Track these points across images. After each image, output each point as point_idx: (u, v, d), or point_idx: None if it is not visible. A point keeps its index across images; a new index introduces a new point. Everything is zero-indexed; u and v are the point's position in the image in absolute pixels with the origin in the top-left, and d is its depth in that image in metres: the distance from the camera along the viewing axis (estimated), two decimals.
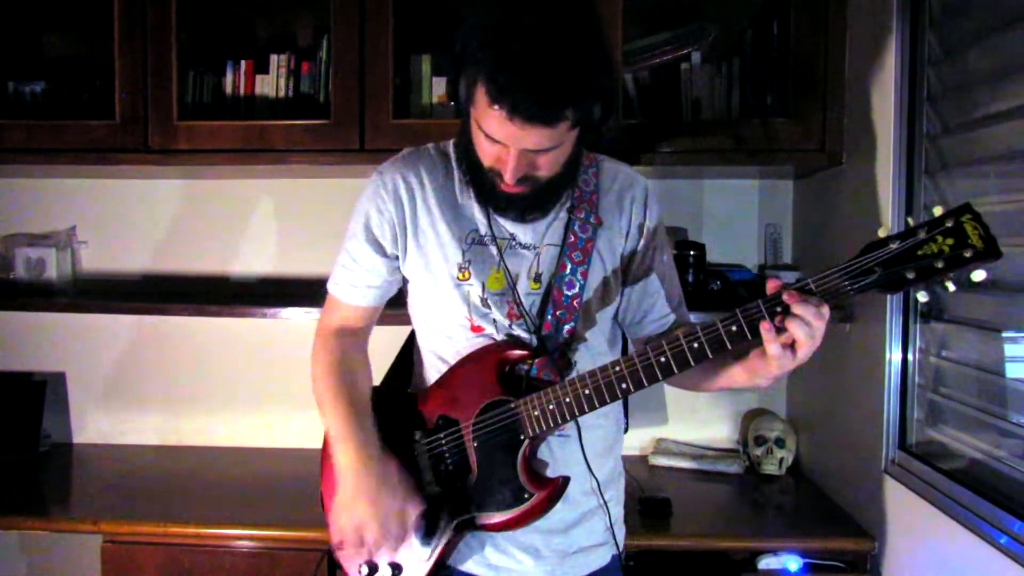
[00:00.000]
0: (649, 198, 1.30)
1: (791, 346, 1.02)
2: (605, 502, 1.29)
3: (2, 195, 2.27)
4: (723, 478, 2.04)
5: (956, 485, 1.39)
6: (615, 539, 1.31)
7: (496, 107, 1.02)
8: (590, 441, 1.25)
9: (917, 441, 1.58)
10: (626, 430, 2.07)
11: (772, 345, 1.01)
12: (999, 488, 1.32)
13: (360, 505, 1.17)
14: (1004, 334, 1.36)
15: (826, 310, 1.01)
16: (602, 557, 1.31)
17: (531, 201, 1.19)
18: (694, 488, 1.97)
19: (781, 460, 2.03)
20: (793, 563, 1.62)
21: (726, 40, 1.99)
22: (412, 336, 1.39)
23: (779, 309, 1.02)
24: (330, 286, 1.33)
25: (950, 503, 1.39)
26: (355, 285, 1.29)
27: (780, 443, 2.04)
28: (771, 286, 1.04)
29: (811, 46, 1.78)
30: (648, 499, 1.78)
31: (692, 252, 1.96)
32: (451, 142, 1.30)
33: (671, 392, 2.21)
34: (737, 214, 2.20)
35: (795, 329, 1.00)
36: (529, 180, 1.13)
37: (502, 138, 1.07)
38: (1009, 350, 1.35)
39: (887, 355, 1.61)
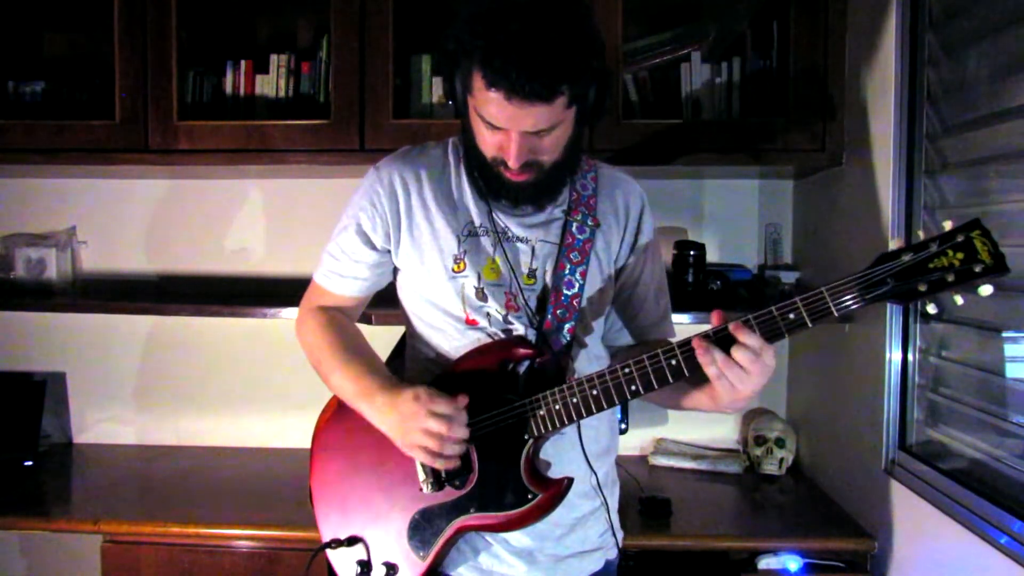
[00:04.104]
0: (645, 209, 1.32)
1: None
2: (605, 499, 1.29)
3: (2, 195, 2.27)
4: (723, 478, 2.03)
5: (956, 485, 1.39)
6: (615, 539, 1.31)
7: (494, 90, 1.04)
8: (587, 441, 1.24)
9: (917, 441, 1.58)
10: (625, 431, 2.08)
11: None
12: (999, 488, 1.32)
13: (411, 420, 1.12)
14: (1004, 334, 1.36)
15: (770, 354, 1.03)
16: (596, 562, 1.30)
17: (538, 189, 1.19)
18: (694, 488, 1.97)
19: (781, 460, 2.03)
20: (793, 563, 1.62)
21: (726, 40, 1.99)
22: (404, 336, 1.39)
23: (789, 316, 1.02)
24: (316, 275, 1.33)
25: (950, 503, 1.39)
26: (343, 275, 1.30)
27: (780, 443, 2.04)
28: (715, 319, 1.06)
29: (811, 46, 1.78)
30: (648, 499, 1.78)
31: (692, 252, 1.96)
32: (451, 139, 1.31)
33: None
34: (737, 214, 2.20)
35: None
36: (533, 166, 1.14)
37: (503, 122, 1.08)
38: (1009, 350, 1.35)
39: (887, 355, 1.61)
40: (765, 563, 1.64)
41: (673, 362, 1.08)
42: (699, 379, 1.08)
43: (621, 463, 2.02)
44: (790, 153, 1.81)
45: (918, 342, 1.58)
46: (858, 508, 1.74)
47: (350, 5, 1.81)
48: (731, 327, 1.03)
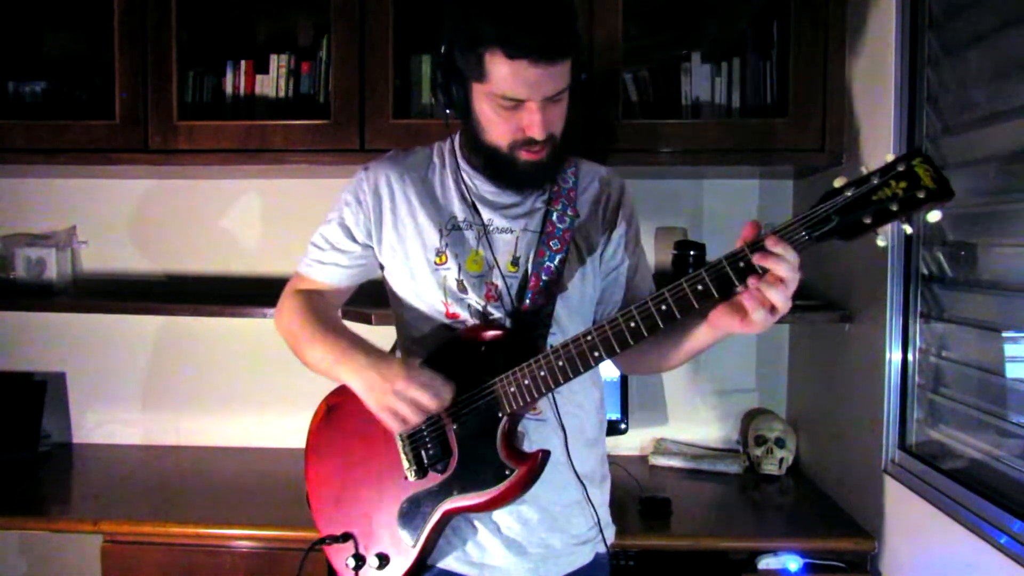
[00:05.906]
0: (624, 196, 1.37)
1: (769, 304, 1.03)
2: (588, 496, 1.30)
3: (2, 195, 2.27)
4: (723, 478, 2.04)
5: (956, 485, 1.39)
6: (603, 536, 1.33)
7: (517, 60, 1.09)
8: (571, 431, 1.27)
9: (917, 441, 1.58)
10: (625, 430, 2.08)
11: (752, 304, 1.03)
12: (999, 488, 1.32)
13: (393, 382, 1.15)
14: (1004, 334, 1.36)
15: (793, 257, 1.02)
16: (586, 555, 1.32)
17: (551, 165, 1.24)
18: (694, 488, 1.97)
19: (781, 460, 2.03)
20: (793, 563, 1.62)
21: (726, 40, 1.99)
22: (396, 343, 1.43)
23: (742, 265, 1.03)
24: (300, 266, 1.38)
25: (950, 503, 1.39)
26: (324, 263, 1.35)
27: (780, 443, 2.04)
28: (748, 233, 1.05)
29: (811, 46, 1.78)
30: (648, 499, 1.78)
31: (692, 252, 1.96)
32: (436, 143, 1.37)
33: (671, 392, 2.21)
34: (737, 214, 2.20)
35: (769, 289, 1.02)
36: (549, 140, 1.18)
37: (525, 92, 1.12)
38: (1009, 350, 1.35)
39: (887, 355, 1.61)
40: (765, 563, 1.64)
41: (632, 324, 1.10)
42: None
43: (621, 463, 2.04)
44: (790, 153, 1.81)
45: (918, 342, 1.58)
46: (858, 508, 1.74)
47: (350, 5, 1.81)
48: (767, 242, 1.02)
